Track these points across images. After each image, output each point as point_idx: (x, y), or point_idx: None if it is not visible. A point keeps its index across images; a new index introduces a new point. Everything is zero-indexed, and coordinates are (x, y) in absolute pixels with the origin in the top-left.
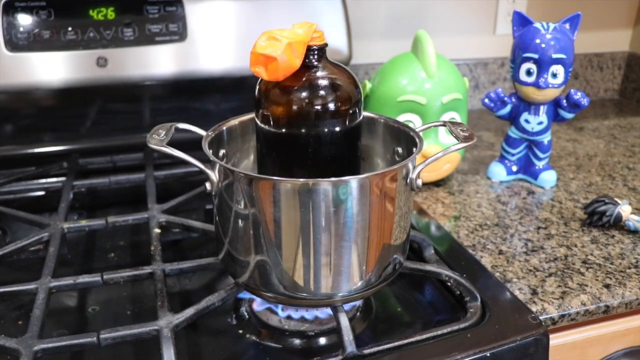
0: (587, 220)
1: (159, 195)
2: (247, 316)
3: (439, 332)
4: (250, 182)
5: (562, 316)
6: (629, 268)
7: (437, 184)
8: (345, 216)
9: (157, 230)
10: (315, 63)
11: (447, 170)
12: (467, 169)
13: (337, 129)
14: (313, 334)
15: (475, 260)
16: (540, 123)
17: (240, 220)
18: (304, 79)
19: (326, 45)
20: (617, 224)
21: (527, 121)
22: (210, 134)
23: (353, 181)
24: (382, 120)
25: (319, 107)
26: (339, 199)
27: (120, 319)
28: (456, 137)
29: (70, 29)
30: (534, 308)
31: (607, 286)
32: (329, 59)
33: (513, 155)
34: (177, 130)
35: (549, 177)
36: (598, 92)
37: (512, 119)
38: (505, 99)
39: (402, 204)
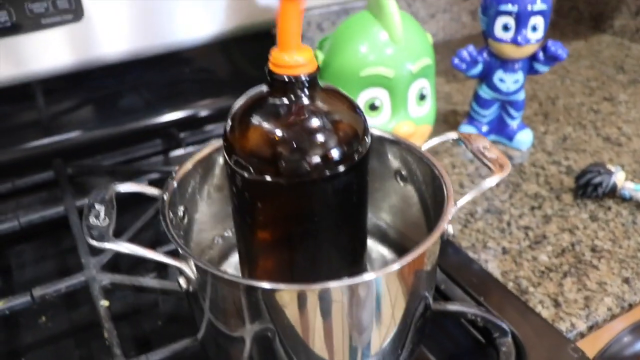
0: (579, 192)
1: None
2: None
3: None
4: (250, 291)
5: (591, 327)
6: (638, 251)
7: None
8: (372, 310)
9: (105, 303)
10: (307, 98)
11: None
12: (433, 132)
13: (348, 176)
14: None
15: (487, 273)
16: (516, 81)
17: (229, 329)
18: (295, 122)
19: (318, 70)
20: (611, 193)
21: (501, 80)
22: (165, 198)
23: (382, 277)
24: (383, 137)
25: (321, 158)
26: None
27: None
28: (486, 165)
29: None
30: (562, 326)
31: (627, 280)
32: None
33: (485, 116)
34: (119, 195)
35: (525, 138)
36: None
37: (483, 77)
38: (477, 57)
39: (432, 261)
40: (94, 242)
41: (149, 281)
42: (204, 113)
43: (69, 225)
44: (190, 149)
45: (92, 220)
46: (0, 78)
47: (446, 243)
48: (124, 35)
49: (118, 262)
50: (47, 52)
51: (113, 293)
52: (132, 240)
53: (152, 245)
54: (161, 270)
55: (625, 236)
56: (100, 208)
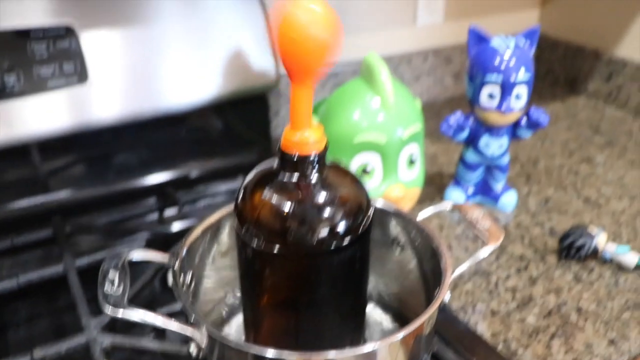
0: (562, 253)
1: (87, 289)
2: None
3: None
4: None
5: None
6: (622, 312)
7: None
8: None
9: None
10: (315, 176)
11: (409, 208)
12: (421, 194)
13: (353, 248)
14: None
15: (477, 335)
16: (501, 146)
17: None
18: (303, 198)
19: (327, 148)
20: (593, 254)
21: (487, 145)
22: (176, 269)
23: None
24: (382, 209)
25: (327, 233)
26: None
27: None
28: (480, 236)
29: None
30: None
31: (612, 342)
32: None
33: (471, 179)
34: (132, 263)
35: (509, 200)
36: None
37: (470, 142)
38: (464, 123)
39: (431, 326)
40: (110, 310)
41: (150, 343)
42: (199, 173)
43: (67, 284)
44: (186, 208)
45: (107, 288)
46: (12, 137)
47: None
48: (124, 98)
49: (116, 321)
50: (49, 114)
51: (112, 354)
52: (132, 301)
53: (151, 305)
54: (159, 330)
55: (609, 297)
56: (114, 275)
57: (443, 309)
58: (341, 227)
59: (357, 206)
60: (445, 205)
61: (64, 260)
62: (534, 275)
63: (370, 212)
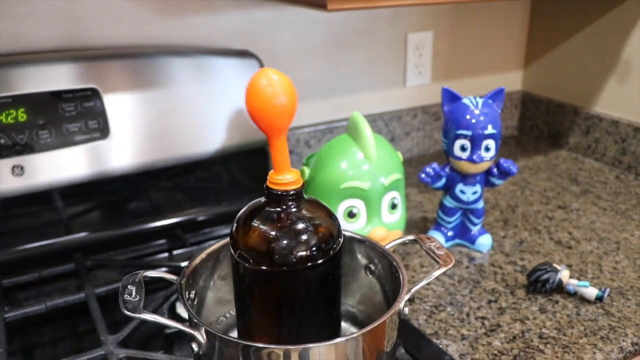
0: (530, 287)
1: (105, 313)
2: None
3: None
4: (246, 350)
5: None
6: (580, 338)
7: None
8: None
9: None
10: (294, 208)
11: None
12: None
13: (325, 266)
14: None
15: (447, 355)
16: (475, 192)
17: None
18: (285, 225)
19: (303, 186)
20: (558, 288)
21: (462, 192)
22: (182, 283)
23: (353, 339)
24: (353, 237)
25: (304, 252)
26: (342, 355)
27: None
28: (435, 260)
29: None
30: None
31: None
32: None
33: (450, 222)
34: (146, 277)
35: (485, 242)
36: None
37: (447, 189)
38: (440, 172)
39: (392, 334)
40: (128, 313)
41: (160, 356)
42: (205, 217)
43: (88, 310)
44: (193, 248)
45: (127, 296)
46: (33, 186)
47: (414, 331)
48: (140, 150)
49: (130, 338)
50: (74, 164)
51: None
52: (134, 335)
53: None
54: (167, 347)
55: (569, 325)
56: (132, 288)
57: (418, 333)
58: (315, 248)
59: (329, 232)
60: (409, 237)
61: (85, 290)
62: (503, 306)
63: (341, 238)
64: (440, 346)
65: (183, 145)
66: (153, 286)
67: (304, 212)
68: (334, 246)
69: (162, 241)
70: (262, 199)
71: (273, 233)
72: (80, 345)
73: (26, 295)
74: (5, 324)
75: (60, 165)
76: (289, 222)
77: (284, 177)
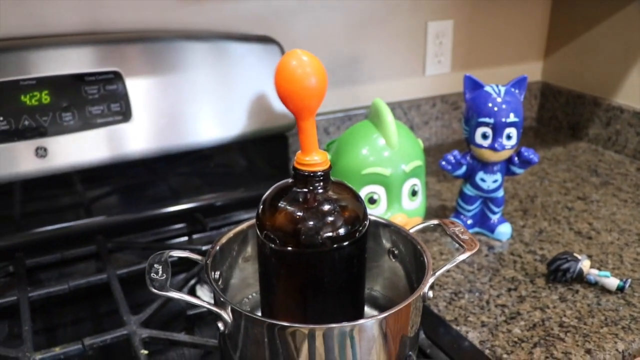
0: (550, 276)
1: (126, 294)
2: None
3: None
4: (272, 329)
5: None
6: (601, 327)
7: None
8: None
9: (144, 352)
10: (321, 189)
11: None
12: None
13: (351, 248)
14: None
15: (467, 341)
16: (495, 181)
17: None
18: (312, 207)
19: (330, 168)
20: (578, 278)
21: (482, 180)
22: (208, 262)
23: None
24: (378, 221)
25: (331, 234)
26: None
27: None
28: (460, 244)
29: (1, 118)
30: None
31: (589, 351)
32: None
33: (469, 211)
34: (171, 257)
35: (504, 230)
36: None
37: (467, 177)
38: (461, 160)
39: (416, 318)
40: (155, 291)
41: (182, 337)
42: (224, 202)
43: (110, 291)
44: (212, 232)
45: (153, 275)
46: (56, 167)
47: (434, 317)
48: (161, 135)
49: (152, 318)
50: (96, 147)
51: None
52: (156, 316)
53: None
54: (189, 329)
55: (590, 315)
56: (158, 267)
57: (438, 319)
58: (342, 230)
59: (355, 214)
60: (433, 221)
61: (107, 271)
62: (523, 295)
63: (366, 221)
64: (461, 332)
65: (202, 130)
66: (172, 269)
67: (330, 193)
68: (360, 228)
69: (181, 225)
70: (289, 180)
71: (300, 214)
72: (102, 325)
73: (48, 275)
74: (30, 302)
75: (83, 148)
76: (315, 203)
77: (312, 158)
